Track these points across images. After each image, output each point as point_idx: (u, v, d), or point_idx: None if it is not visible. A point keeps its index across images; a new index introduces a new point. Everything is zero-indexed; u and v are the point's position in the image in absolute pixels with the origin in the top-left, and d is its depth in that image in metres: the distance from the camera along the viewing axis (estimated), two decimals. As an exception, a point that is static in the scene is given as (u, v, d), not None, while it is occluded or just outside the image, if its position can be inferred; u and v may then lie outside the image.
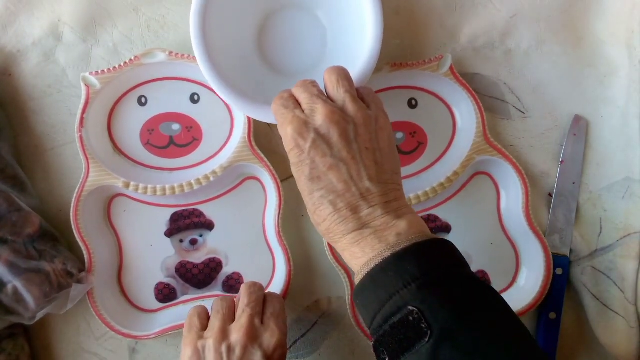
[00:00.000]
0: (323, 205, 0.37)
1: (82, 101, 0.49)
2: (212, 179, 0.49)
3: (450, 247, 0.37)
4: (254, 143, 0.49)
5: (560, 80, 0.52)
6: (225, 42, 0.47)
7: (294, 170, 0.39)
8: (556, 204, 0.52)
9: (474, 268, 0.52)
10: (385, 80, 0.51)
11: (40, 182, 0.51)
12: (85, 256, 0.49)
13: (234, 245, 0.52)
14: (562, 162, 0.52)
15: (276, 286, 0.51)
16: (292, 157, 0.38)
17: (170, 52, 0.49)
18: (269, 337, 0.43)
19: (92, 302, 0.49)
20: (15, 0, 0.50)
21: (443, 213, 0.52)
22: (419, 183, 0.51)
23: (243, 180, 0.52)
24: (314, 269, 0.52)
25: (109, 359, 0.52)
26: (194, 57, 0.49)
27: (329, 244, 0.50)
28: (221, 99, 0.49)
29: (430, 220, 0.52)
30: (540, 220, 0.52)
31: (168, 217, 0.51)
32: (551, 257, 0.50)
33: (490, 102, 0.52)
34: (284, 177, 0.51)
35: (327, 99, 0.39)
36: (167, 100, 0.51)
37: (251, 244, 0.52)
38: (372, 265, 0.36)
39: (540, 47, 0.52)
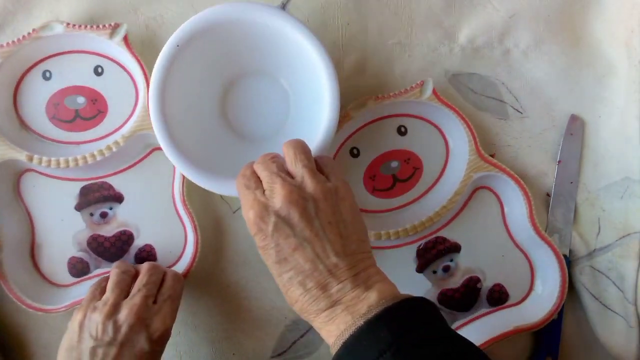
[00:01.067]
0: (293, 287, 0.37)
1: (-17, 76, 0.49)
2: (114, 149, 0.49)
3: (423, 305, 0.36)
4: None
5: (558, 80, 0.52)
6: (187, 110, 0.46)
7: (261, 253, 0.38)
8: (555, 204, 0.52)
9: (488, 283, 0.51)
10: (371, 112, 0.50)
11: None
12: (-7, 232, 0.49)
13: (145, 218, 0.51)
14: (559, 162, 0.52)
15: (187, 256, 0.50)
16: (258, 241, 0.38)
17: (68, 24, 0.49)
18: (159, 322, 0.43)
19: (2, 278, 0.49)
20: (13, -1, 0.51)
21: (450, 233, 0.51)
22: (420, 209, 0.51)
23: (150, 152, 0.51)
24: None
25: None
26: (90, 26, 0.49)
27: None
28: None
29: (439, 242, 0.51)
30: (540, 221, 0.50)
31: (77, 190, 0.51)
32: (564, 260, 0.50)
33: (488, 102, 0.52)
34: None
35: (287, 175, 0.39)
36: (71, 73, 0.51)
37: (161, 216, 0.51)
38: (346, 335, 0.35)
39: (539, 47, 0.51)
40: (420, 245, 0.51)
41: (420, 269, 0.51)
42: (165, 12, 0.51)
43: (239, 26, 0.44)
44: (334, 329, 0.36)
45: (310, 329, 0.52)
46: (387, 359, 0.33)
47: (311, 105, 0.47)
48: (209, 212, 0.52)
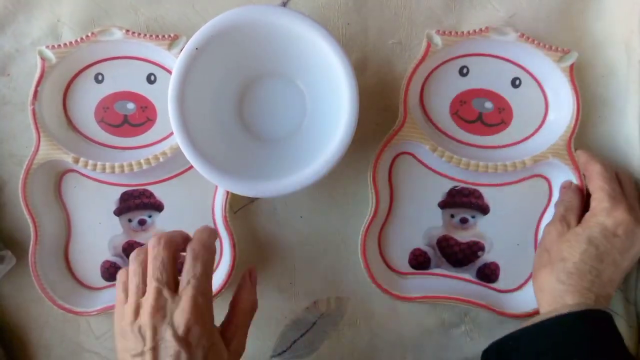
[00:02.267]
0: None
1: (37, 74, 0.48)
2: (161, 159, 0.49)
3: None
4: (206, 127, 0.49)
5: None
6: (205, 111, 0.46)
7: None
8: None
9: (488, 257, 0.52)
10: (503, 47, 0.50)
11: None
12: (31, 229, 0.49)
13: (182, 228, 0.51)
14: None
15: (221, 271, 0.51)
16: None
17: (127, 31, 0.49)
18: (179, 316, 0.37)
19: (36, 276, 0.49)
20: (14, -1, 0.51)
21: (488, 194, 0.51)
22: (481, 154, 0.51)
23: (195, 164, 0.51)
24: (313, 269, 0.52)
25: (109, 358, 0.53)
26: (150, 36, 0.49)
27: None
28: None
29: (475, 195, 0.51)
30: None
31: (118, 195, 0.51)
32: None
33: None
34: (236, 163, 0.51)
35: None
36: (123, 79, 0.51)
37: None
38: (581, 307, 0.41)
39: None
40: (457, 186, 0.52)
41: (443, 205, 0.52)
42: (166, 12, 0.51)
43: (256, 29, 0.44)
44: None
45: (310, 328, 0.53)
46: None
47: (328, 106, 0.47)
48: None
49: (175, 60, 0.49)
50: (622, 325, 0.50)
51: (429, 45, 0.49)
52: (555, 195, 0.51)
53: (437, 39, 0.49)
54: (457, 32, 0.49)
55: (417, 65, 0.49)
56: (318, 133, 0.47)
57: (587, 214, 0.45)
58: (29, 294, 0.51)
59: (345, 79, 0.43)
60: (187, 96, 0.44)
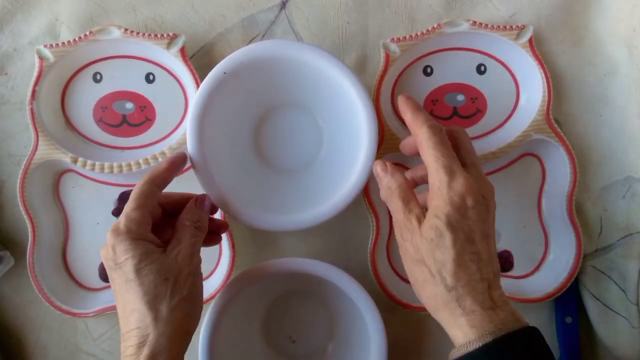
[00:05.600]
0: (471, 262, 0.38)
1: (35, 74, 0.48)
2: (160, 159, 0.49)
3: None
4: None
5: (559, 79, 0.51)
6: (222, 144, 0.46)
7: (454, 223, 0.38)
8: None
9: (500, 246, 0.52)
10: (460, 38, 0.50)
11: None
12: (29, 230, 0.49)
13: (181, 229, 0.51)
14: None
15: (219, 272, 0.50)
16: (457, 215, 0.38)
17: (126, 30, 0.49)
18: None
19: (33, 277, 0.49)
20: (13, -2, 0.51)
21: None
22: None
23: (194, 165, 0.51)
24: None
25: (106, 360, 0.53)
26: (148, 35, 0.49)
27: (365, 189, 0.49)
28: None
29: None
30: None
31: (116, 196, 0.51)
32: (582, 251, 0.50)
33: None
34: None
35: None
36: (122, 78, 0.50)
37: (198, 229, 0.51)
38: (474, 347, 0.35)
39: (540, 47, 0.51)
40: None
41: None
42: (164, 12, 0.51)
43: (280, 60, 0.44)
44: (489, 326, 0.36)
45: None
46: None
47: (346, 139, 0.47)
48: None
49: (174, 60, 0.49)
50: (625, 326, 0.50)
51: (387, 55, 0.49)
52: (549, 171, 0.51)
53: (394, 47, 0.49)
54: (411, 36, 0.49)
55: (382, 77, 0.49)
56: (334, 166, 0.47)
57: (430, 195, 0.39)
58: (27, 295, 0.51)
59: (364, 117, 0.44)
60: (207, 118, 0.44)
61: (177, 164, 0.43)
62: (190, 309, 0.40)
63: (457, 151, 0.40)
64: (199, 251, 0.42)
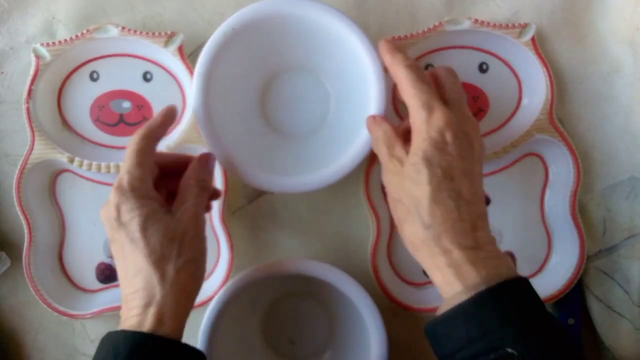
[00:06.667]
0: (449, 200, 0.37)
1: (31, 72, 0.48)
2: (158, 159, 0.48)
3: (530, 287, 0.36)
4: (203, 126, 0.48)
5: (562, 78, 0.51)
6: (227, 99, 0.46)
7: (432, 159, 0.37)
8: None
9: (503, 247, 0.51)
10: (462, 37, 0.49)
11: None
12: (25, 231, 0.48)
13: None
14: None
15: (218, 273, 0.50)
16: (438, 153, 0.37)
17: (123, 28, 0.48)
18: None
19: (30, 278, 0.48)
20: (9, -3, 0.50)
21: (486, 184, 0.50)
22: None
23: (192, 164, 0.51)
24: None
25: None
26: (146, 33, 0.48)
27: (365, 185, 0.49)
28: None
29: None
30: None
31: (114, 196, 0.50)
32: (585, 252, 0.49)
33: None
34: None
35: None
36: (119, 77, 0.50)
37: (197, 229, 0.50)
38: (463, 297, 0.34)
39: (542, 45, 0.50)
40: None
41: None
42: (162, 10, 0.50)
43: (291, 21, 0.43)
44: (471, 272, 0.34)
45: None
46: (509, 332, 0.32)
47: (354, 104, 0.46)
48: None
49: (172, 58, 0.48)
50: (628, 328, 0.49)
51: None
52: (552, 171, 0.50)
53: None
54: (412, 34, 0.48)
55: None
56: (342, 130, 0.47)
57: (412, 135, 0.38)
58: (24, 297, 0.51)
59: (373, 76, 0.43)
60: (213, 76, 0.43)
61: (171, 117, 0.42)
62: (195, 270, 0.39)
63: (439, 89, 0.39)
64: (204, 211, 0.41)
